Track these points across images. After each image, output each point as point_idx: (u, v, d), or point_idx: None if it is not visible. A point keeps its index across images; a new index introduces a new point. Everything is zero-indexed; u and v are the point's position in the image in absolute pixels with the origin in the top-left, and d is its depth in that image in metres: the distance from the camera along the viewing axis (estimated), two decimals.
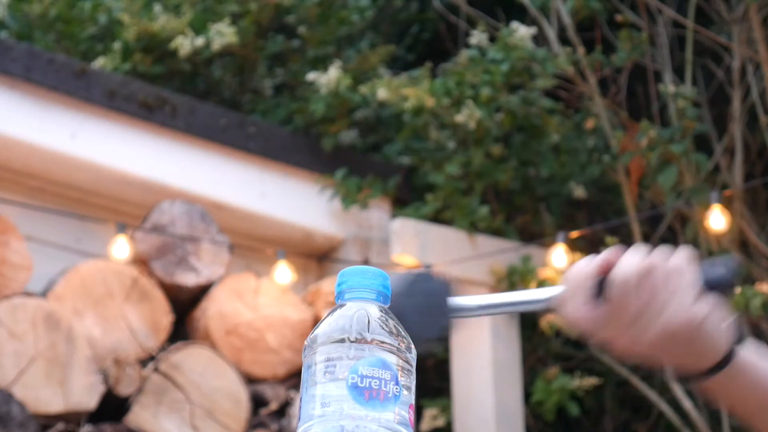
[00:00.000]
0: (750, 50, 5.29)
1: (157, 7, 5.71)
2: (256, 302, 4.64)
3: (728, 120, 5.39)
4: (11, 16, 5.86)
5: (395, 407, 1.10)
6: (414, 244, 4.94)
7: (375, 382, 1.09)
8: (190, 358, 4.40)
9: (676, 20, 5.47)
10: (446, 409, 5.05)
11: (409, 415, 1.11)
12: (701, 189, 4.97)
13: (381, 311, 1.14)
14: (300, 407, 1.11)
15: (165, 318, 4.48)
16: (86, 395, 4.20)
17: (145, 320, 4.43)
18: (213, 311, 4.57)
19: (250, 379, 4.54)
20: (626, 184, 5.26)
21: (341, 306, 1.14)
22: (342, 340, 1.10)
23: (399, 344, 1.12)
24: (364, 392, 1.08)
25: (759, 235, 5.26)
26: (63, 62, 4.71)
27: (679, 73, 5.49)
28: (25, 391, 4.11)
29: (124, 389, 4.28)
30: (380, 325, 1.12)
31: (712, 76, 5.62)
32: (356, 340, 1.10)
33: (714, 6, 5.44)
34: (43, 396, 4.14)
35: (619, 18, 5.42)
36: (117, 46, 5.63)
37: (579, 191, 5.48)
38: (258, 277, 4.71)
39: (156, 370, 4.35)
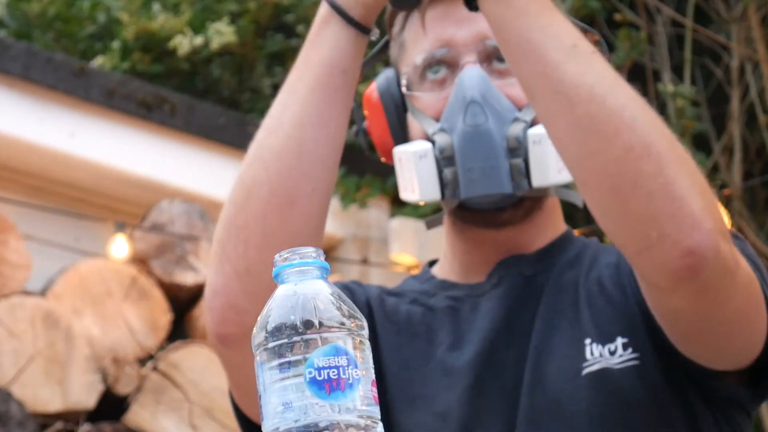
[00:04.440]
0: (749, 49, 5.30)
1: (156, 6, 5.71)
2: None
3: (727, 119, 5.40)
4: (10, 15, 5.86)
5: (358, 391, 1.08)
6: (413, 243, 4.94)
7: (333, 372, 1.06)
8: (189, 357, 4.40)
9: (675, 19, 5.47)
10: None
11: (372, 393, 1.09)
12: None
13: (325, 290, 1.10)
14: (261, 407, 1.09)
15: (164, 317, 4.48)
16: (85, 394, 4.20)
17: (144, 319, 4.43)
18: None
19: None
20: None
21: (283, 291, 1.10)
22: (291, 333, 1.07)
23: (350, 325, 1.09)
24: (324, 385, 1.06)
25: (758, 234, 5.26)
26: (62, 61, 4.71)
27: (677, 72, 5.49)
28: (24, 390, 4.11)
29: (122, 388, 4.28)
30: (327, 309, 1.09)
31: (710, 75, 5.62)
32: (305, 331, 1.07)
33: (713, 5, 5.45)
34: (42, 395, 4.14)
35: (617, 17, 5.42)
36: (116, 45, 5.63)
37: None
38: None
39: (155, 369, 4.35)
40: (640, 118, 1.40)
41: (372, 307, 1.64)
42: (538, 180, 1.57)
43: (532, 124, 1.57)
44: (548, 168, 1.56)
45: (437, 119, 1.59)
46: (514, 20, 1.43)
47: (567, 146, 1.43)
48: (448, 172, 1.57)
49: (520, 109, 1.57)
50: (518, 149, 1.55)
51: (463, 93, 1.56)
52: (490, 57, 1.59)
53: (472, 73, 1.56)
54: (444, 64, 1.61)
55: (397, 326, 1.64)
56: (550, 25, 1.42)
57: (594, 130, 1.39)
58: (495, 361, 1.56)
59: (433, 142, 1.58)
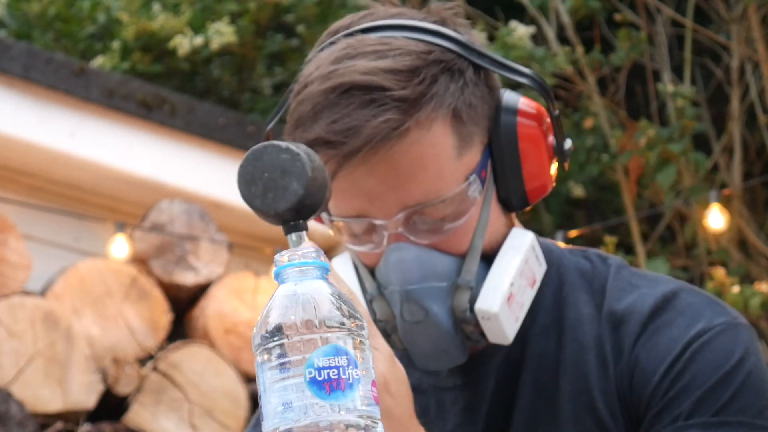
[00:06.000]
0: (749, 49, 5.30)
1: (156, 6, 5.71)
2: (255, 301, 4.65)
3: (727, 119, 5.40)
4: (10, 15, 5.86)
5: (358, 391, 1.07)
6: None
7: (333, 372, 1.06)
8: (188, 357, 4.39)
9: (675, 19, 5.48)
10: None
11: (372, 393, 1.09)
12: (700, 188, 4.97)
13: (325, 290, 1.10)
14: (261, 407, 1.09)
15: (164, 317, 4.48)
16: (85, 394, 4.20)
17: (144, 319, 4.43)
18: (212, 310, 4.57)
19: (249, 378, 4.54)
20: (625, 183, 5.26)
21: (283, 291, 1.10)
22: (291, 333, 1.07)
23: (350, 325, 1.08)
24: (324, 385, 1.06)
25: (758, 234, 5.26)
26: (62, 61, 4.71)
27: (677, 72, 5.49)
28: (24, 390, 4.11)
29: (122, 388, 4.28)
30: (327, 309, 1.08)
31: (710, 75, 5.63)
32: (305, 331, 1.07)
33: (713, 5, 5.45)
34: (42, 395, 4.14)
35: (617, 17, 5.42)
36: (116, 45, 5.63)
37: (578, 190, 5.48)
38: (257, 276, 4.71)
39: (155, 369, 4.35)
40: None
41: None
42: (497, 339, 1.45)
43: (485, 255, 1.44)
44: (505, 332, 1.43)
45: (371, 268, 1.46)
46: None
47: None
48: (395, 339, 1.45)
49: (464, 254, 1.44)
50: (468, 318, 1.42)
51: (390, 281, 1.42)
52: (413, 216, 1.42)
53: (399, 257, 1.41)
54: (365, 226, 1.45)
55: None
56: None
57: None
58: None
59: (369, 302, 1.45)
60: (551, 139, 1.49)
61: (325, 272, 1.11)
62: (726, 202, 4.84)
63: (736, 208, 5.10)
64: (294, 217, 1.27)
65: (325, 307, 1.08)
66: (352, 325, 1.09)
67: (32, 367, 4.15)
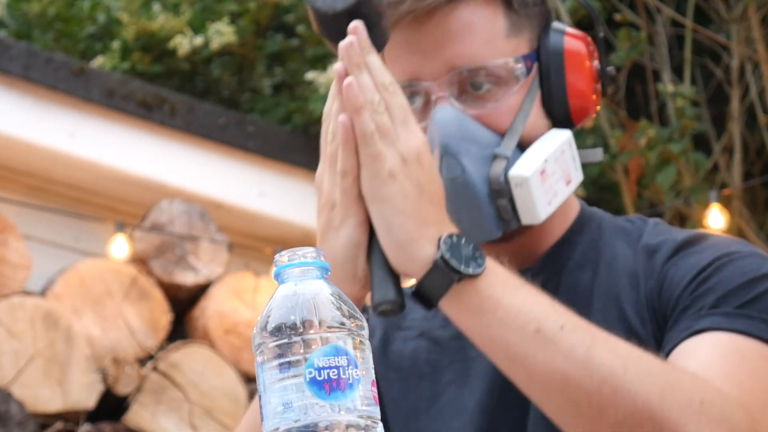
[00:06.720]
0: (749, 49, 5.30)
1: (156, 6, 5.72)
2: (255, 301, 4.65)
3: (727, 119, 5.40)
4: (10, 15, 5.86)
5: (358, 391, 1.07)
6: None
7: (333, 372, 1.06)
8: (189, 358, 4.40)
9: (675, 19, 5.47)
10: None
11: (372, 393, 1.09)
12: (700, 188, 4.97)
13: (325, 290, 1.10)
14: (261, 407, 1.09)
15: (164, 317, 4.48)
16: (85, 394, 4.20)
17: (144, 319, 4.43)
18: (212, 310, 4.57)
19: (249, 378, 4.54)
20: (625, 184, 5.26)
21: (283, 291, 1.10)
22: (291, 333, 1.07)
23: (350, 325, 1.09)
24: (324, 385, 1.06)
25: (758, 234, 5.26)
26: (61, 61, 4.71)
27: (677, 72, 5.49)
28: (24, 390, 4.11)
29: (122, 388, 4.28)
30: (327, 309, 1.09)
31: (710, 75, 5.62)
32: (305, 331, 1.07)
33: (713, 5, 5.45)
34: (42, 395, 4.14)
35: (617, 17, 5.42)
36: (116, 45, 5.63)
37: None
38: (257, 276, 4.71)
39: (155, 369, 4.35)
40: (623, 386, 1.33)
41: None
42: (527, 219, 1.51)
43: (522, 145, 1.51)
44: (536, 206, 1.49)
45: None
46: (473, 320, 1.38)
47: (561, 425, 1.38)
48: None
49: (503, 134, 1.51)
50: (502, 190, 1.48)
51: (434, 141, 1.48)
52: (464, 84, 1.51)
53: (443, 116, 1.49)
54: (417, 94, 1.53)
55: (402, 372, 1.58)
56: (509, 317, 1.36)
57: (578, 413, 1.34)
58: (504, 398, 1.50)
59: None
60: (596, 64, 1.58)
61: (325, 272, 1.11)
62: (726, 202, 4.84)
63: (736, 208, 5.10)
64: (349, 23, 1.38)
65: (325, 307, 1.09)
66: (352, 325, 1.09)
67: (32, 367, 4.15)
